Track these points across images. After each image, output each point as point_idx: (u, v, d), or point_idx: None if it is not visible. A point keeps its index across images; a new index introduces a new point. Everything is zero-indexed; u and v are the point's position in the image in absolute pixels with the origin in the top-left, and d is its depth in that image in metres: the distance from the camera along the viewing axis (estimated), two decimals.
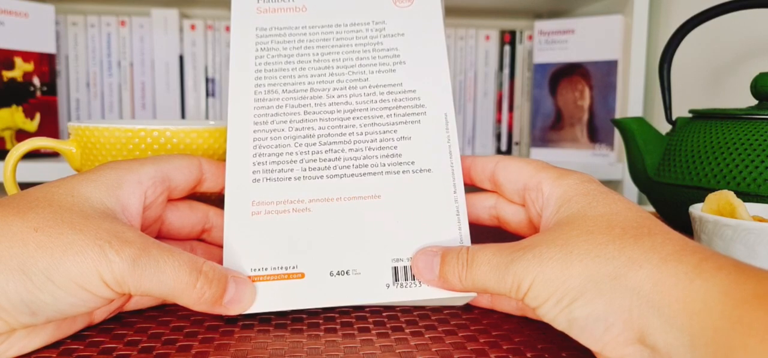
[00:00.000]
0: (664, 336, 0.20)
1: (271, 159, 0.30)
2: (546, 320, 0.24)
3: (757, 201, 0.41)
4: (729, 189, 0.41)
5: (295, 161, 0.30)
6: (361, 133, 0.30)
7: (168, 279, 0.24)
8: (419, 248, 0.28)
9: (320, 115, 0.31)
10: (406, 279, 0.28)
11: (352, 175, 0.30)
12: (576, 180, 0.27)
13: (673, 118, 0.65)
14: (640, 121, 0.53)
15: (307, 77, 0.32)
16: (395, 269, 0.28)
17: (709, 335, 0.19)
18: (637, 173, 0.52)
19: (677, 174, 0.47)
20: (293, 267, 0.28)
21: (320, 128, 0.30)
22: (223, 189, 0.30)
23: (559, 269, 0.23)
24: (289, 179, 0.29)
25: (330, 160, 0.30)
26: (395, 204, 0.29)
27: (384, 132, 0.30)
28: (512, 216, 0.31)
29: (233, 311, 0.26)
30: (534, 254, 0.24)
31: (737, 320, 0.18)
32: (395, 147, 0.30)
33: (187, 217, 0.31)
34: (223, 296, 0.25)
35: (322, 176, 0.29)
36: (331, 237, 0.28)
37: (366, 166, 0.30)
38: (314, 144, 0.30)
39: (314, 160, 0.30)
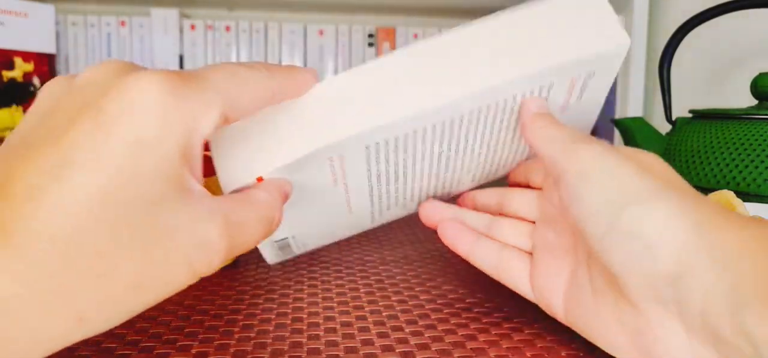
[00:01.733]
0: (704, 276, 0.18)
1: None
2: (587, 229, 0.22)
3: (757, 201, 0.42)
4: (729, 189, 0.41)
5: None
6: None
7: (253, 242, 0.21)
8: None
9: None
10: None
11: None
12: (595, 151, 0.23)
13: (673, 118, 0.66)
14: (639, 121, 0.53)
15: None
16: None
17: (755, 277, 0.17)
18: None
19: (681, 172, 0.47)
20: None
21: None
22: None
23: (620, 166, 0.22)
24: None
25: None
26: None
27: None
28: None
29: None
30: (602, 145, 0.23)
31: None
32: None
33: None
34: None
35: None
36: None
37: None
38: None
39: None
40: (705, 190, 0.44)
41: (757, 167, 0.42)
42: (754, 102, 0.75)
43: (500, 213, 0.30)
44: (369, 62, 0.26)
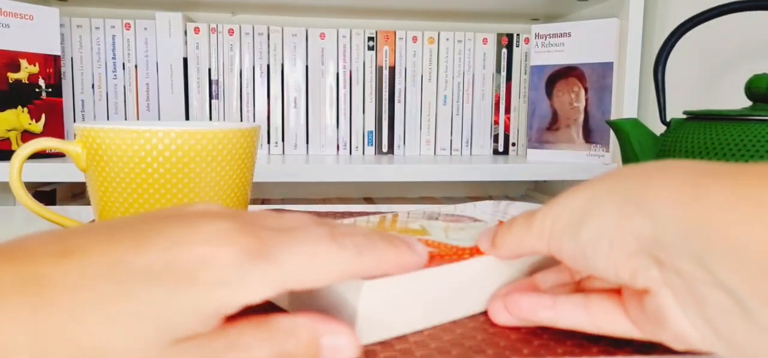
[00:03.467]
0: (653, 226, 0.21)
1: None
2: (568, 262, 0.24)
3: None
4: None
5: None
6: None
7: None
8: None
9: None
10: None
11: None
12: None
13: (668, 119, 0.66)
14: (634, 122, 0.53)
15: None
16: None
17: (702, 207, 0.20)
18: None
19: None
20: None
21: None
22: None
23: (568, 197, 0.24)
24: None
25: None
26: None
27: None
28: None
29: None
30: (552, 201, 0.25)
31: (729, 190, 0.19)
32: None
33: None
34: None
35: None
36: None
37: None
38: None
39: None
40: None
41: None
42: (749, 103, 0.76)
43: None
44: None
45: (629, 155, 0.52)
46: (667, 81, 0.88)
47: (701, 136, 0.47)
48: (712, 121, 0.48)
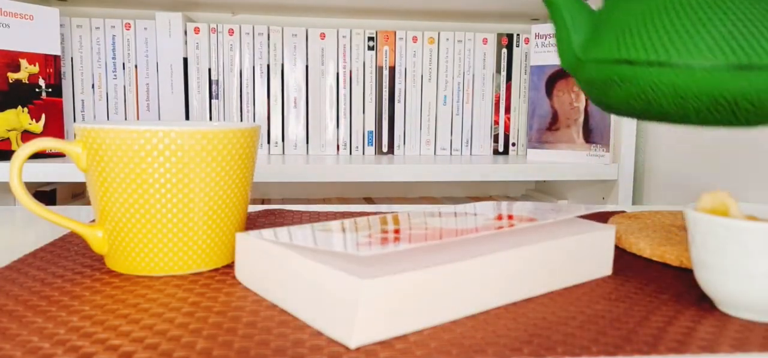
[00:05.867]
0: None
1: None
2: None
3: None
4: (660, 61, 0.37)
5: None
6: None
7: None
8: None
9: None
10: None
11: None
12: None
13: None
14: None
15: None
16: None
17: None
18: (564, 54, 0.45)
19: (604, 49, 0.41)
20: None
21: None
22: None
23: None
24: None
25: None
26: None
27: None
28: None
29: None
30: None
31: None
32: None
33: None
34: None
35: None
36: None
37: None
38: None
39: None
40: (634, 64, 0.39)
41: (692, 38, 0.37)
42: None
43: None
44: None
45: (562, 33, 0.46)
46: None
47: (637, 5, 0.41)
48: None
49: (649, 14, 0.38)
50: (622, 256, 0.44)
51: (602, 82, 0.40)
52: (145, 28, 0.98)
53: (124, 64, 0.99)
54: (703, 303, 0.33)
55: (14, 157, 0.36)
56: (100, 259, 0.40)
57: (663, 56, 0.36)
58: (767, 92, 0.35)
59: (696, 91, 0.36)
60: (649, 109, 0.38)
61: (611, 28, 0.40)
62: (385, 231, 0.33)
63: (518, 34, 1.06)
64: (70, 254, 0.41)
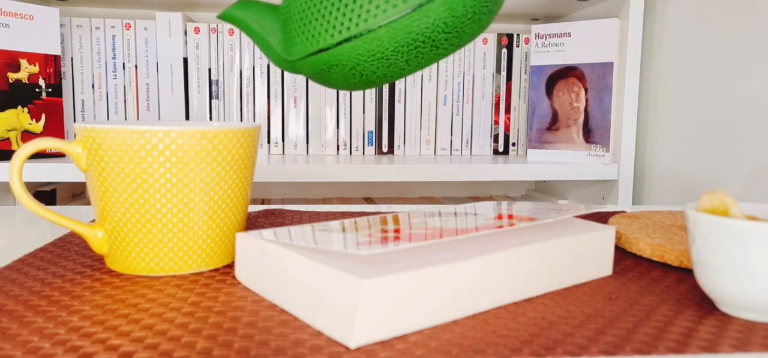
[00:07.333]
0: None
1: None
2: None
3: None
4: (346, 37, 0.36)
5: None
6: None
7: None
8: None
9: None
10: None
11: None
12: None
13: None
14: (242, 3, 0.42)
15: None
16: None
17: None
18: (273, 58, 0.42)
19: (299, 45, 0.38)
20: None
21: None
22: None
23: None
24: None
25: None
26: None
27: None
28: None
29: None
30: None
31: None
32: None
33: None
34: None
35: None
36: None
37: None
38: None
39: None
40: (328, 50, 0.37)
41: (359, 4, 0.35)
42: None
43: None
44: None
45: (261, 42, 0.42)
46: None
47: None
48: None
49: None
50: (622, 256, 0.44)
51: (317, 73, 0.40)
52: (145, 28, 0.98)
53: (124, 64, 0.99)
54: (704, 303, 0.33)
55: (14, 157, 0.36)
56: (100, 259, 0.40)
57: (345, 33, 0.36)
58: (450, 19, 0.35)
59: (393, 48, 0.36)
60: (369, 78, 0.38)
61: (295, 21, 0.39)
62: (385, 231, 0.33)
63: (518, 34, 1.06)
64: (70, 254, 0.41)
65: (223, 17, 0.43)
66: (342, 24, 0.36)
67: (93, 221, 0.54)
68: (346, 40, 0.36)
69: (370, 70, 0.37)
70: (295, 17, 0.38)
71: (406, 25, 0.35)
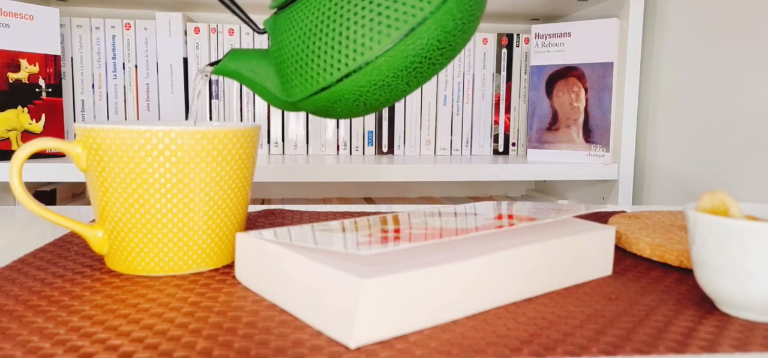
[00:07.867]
0: None
1: None
2: None
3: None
4: (346, 73, 0.36)
5: None
6: None
7: None
8: None
9: None
10: None
11: None
12: None
13: (261, 26, 0.50)
14: (232, 55, 0.42)
15: None
16: None
17: None
18: (275, 103, 0.42)
19: (299, 87, 0.39)
20: None
21: None
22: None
23: None
24: None
25: None
26: None
27: None
28: None
29: None
30: None
31: None
32: None
33: None
34: None
35: None
36: None
37: None
38: None
39: None
40: (329, 88, 0.37)
41: (351, 40, 0.36)
42: None
43: None
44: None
45: (259, 90, 0.42)
46: None
47: (298, 22, 0.38)
48: (292, 2, 0.39)
49: (310, 37, 0.38)
50: (622, 256, 0.44)
51: (321, 109, 0.40)
52: (145, 28, 0.98)
53: (124, 64, 0.99)
54: (704, 303, 0.33)
55: (14, 157, 0.36)
56: (100, 259, 0.40)
57: (344, 69, 0.37)
58: (443, 35, 0.36)
59: (392, 75, 0.37)
60: (373, 105, 0.39)
61: (290, 64, 0.39)
62: (385, 231, 0.33)
63: (518, 34, 1.06)
64: (70, 254, 0.41)
65: (218, 72, 0.43)
66: (339, 61, 0.37)
67: (93, 221, 0.54)
68: (347, 75, 0.37)
69: (373, 98, 0.38)
70: (290, 60, 0.39)
71: (402, 50, 0.36)
